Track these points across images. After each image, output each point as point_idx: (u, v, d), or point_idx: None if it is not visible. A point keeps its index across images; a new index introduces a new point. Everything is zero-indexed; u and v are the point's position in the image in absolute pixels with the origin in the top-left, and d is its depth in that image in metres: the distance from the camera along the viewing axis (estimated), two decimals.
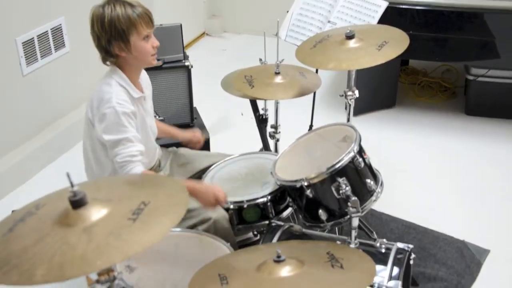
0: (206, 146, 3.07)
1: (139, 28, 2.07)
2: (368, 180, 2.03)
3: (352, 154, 1.98)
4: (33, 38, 3.24)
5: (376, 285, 1.83)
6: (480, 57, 3.60)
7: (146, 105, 2.26)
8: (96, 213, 1.28)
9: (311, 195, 2.00)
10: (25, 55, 3.20)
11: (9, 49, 3.13)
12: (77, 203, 1.27)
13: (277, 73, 2.46)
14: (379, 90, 3.93)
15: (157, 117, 3.14)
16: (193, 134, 2.57)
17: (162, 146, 2.58)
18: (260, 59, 2.72)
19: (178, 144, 2.62)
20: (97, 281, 1.32)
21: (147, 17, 2.10)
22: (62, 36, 3.44)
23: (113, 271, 1.32)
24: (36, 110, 3.37)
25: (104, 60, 2.14)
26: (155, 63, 2.21)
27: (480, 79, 3.73)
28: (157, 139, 2.44)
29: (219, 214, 2.12)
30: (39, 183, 3.30)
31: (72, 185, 1.27)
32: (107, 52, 2.09)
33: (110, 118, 2.04)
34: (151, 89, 2.39)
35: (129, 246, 1.21)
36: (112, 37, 2.05)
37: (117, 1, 2.07)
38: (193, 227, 2.10)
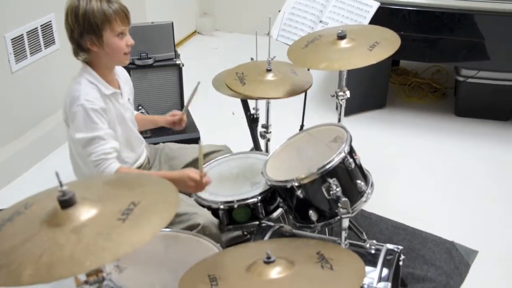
0: (196, 144, 3.06)
1: (113, 24, 2.04)
2: (359, 181, 2.03)
3: (343, 154, 1.98)
4: (22, 34, 3.21)
5: (365, 286, 1.83)
6: (470, 58, 3.61)
7: (123, 100, 2.24)
8: (85, 213, 1.27)
9: (301, 196, 2.00)
10: (14, 52, 3.17)
11: None
12: (66, 202, 1.26)
13: (269, 70, 2.45)
14: (370, 91, 3.94)
15: (142, 110, 3.12)
16: (172, 114, 2.53)
17: (150, 143, 2.57)
18: (252, 58, 2.72)
19: (166, 139, 2.60)
20: (86, 282, 1.31)
21: (123, 13, 2.07)
22: (52, 33, 3.41)
23: (102, 272, 1.31)
24: (25, 107, 3.34)
25: (75, 54, 2.11)
26: (127, 62, 2.19)
27: (470, 80, 3.75)
28: (141, 132, 2.42)
29: (207, 220, 2.11)
30: (27, 181, 3.27)
31: (61, 185, 1.26)
32: (79, 46, 2.07)
33: (80, 116, 2.03)
34: (131, 84, 2.37)
35: (118, 246, 1.20)
36: (85, 31, 2.02)
37: None
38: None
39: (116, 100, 2.18)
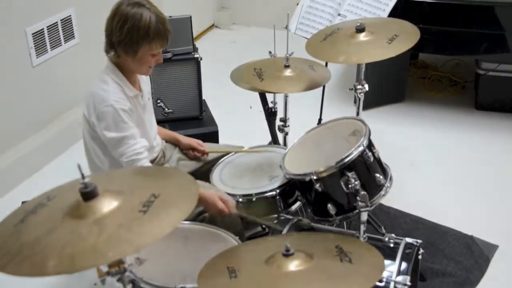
0: (214, 138, 3.07)
1: (153, 46, 2.06)
2: (377, 175, 2.02)
3: (361, 148, 1.97)
4: (43, 29, 3.25)
5: (384, 279, 1.83)
6: (490, 51, 3.57)
7: (144, 102, 2.25)
8: (107, 205, 1.29)
9: (320, 189, 2.00)
10: (35, 46, 3.21)
11: (19, 40, 3.14)
12: (88, 195, 1.28)
13: (287, 66, 2.45)
14: (388, 84, 3.91)
15: (166, 109, 3.14)
16: (198, 142, 2.50)
17: None
18: (270, 52, 2.71)
19: (184, 133, 2.60)
20: (108, 273, 1.33)
21: (165, 37, 2.09)
22: (72, 27, 3.44)
23: (124, 263, 1.33)
24: (45, 101, 3.39)
25: (106, 51, 2.13)
26: (149, 74, 2.22)
27: (490, 73, 3.71)
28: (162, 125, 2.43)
29: None
30: (49, 174, 3.31)
31: (83, 177, 1.28)
32: (112, 47, 2.08)
33: (110, 116, 2.04)
34: (150, 84, 2.37)
35: (139, 238, 1.21)
36: (124, 41, 2.03)
37: (149, 9, 2.05)
38: (201, 213, 2.11)
39: (138, 102, 2.20)
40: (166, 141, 2.52)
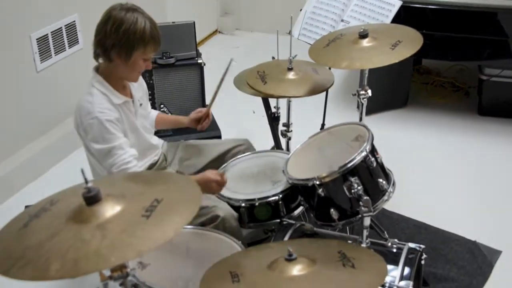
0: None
1: (147, 50, 2.08)
2: (380, 180, 2.02)
3: (364, 153, 1.97)
4: (47, 34, 3.27)
5: (387, 284, 1.83)
6: (493, 57, 3.57)
7: (135, 107, 2.26)
8: (110, 209, 1.29)
9: (322, 194, 2.00)
10: (39, 51, 3.23)
11: (23, 45, 3.15)
12: (91, 199, 1.28)
13: (290, 69, 2.45)
14: (391, 90, 3.91)
15: (164, 109, 3.14)
16: (196, 111, 2.50)
17: (170, 140, 2.59)
18: (273, 57, 2.72)
19: (187, 137, 2.61)
20: (110, 277, 1.33)
21: (159, 42, 2.11)
22: (76, 32, 3.46)
23: (126, 268, 1.33)
24: (49, 106, 3.40)
25: (96, 57, 2.14)
26: (136, 80, 2.23)
27: (493, 79, 3.70)
28: (165, 131, 2.43)
29: (227, 213, 2.13)
30: (51, 179, 3.32)
31: (86, 182, 1.28)
32: (105, 52, 2.08)
33: (96, 128, 2.04)
34: (144, 86, 2.38)
35: (142, 242, 1.22)
36: (119, 45, 2.04)
37: (142, 14, 2.07)
38: (202, 225, 2.11)
39: (128, 108, 2.20)
40: (175, 127, 2.59)
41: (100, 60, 2.14)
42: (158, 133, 2.57)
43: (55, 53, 3.35)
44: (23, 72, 3.18)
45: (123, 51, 2.05)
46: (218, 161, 2.48)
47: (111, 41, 2.05)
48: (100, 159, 2.09)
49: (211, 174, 2.12)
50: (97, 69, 2.17)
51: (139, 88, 2.32)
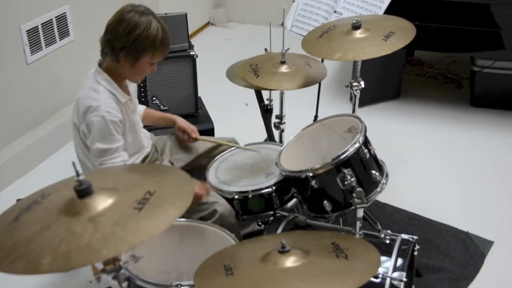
0: (210, 136, 3.07)
1: (155, 56, 2.06)
2: (373, 171, 2.03)
3: (357, 145, 1.97)
4: (37, 26, 3.23)
5: (380, 275, 1.83)
6: (486, 48, 3.58)
7: (134, 104, 2.25)
8: (101, 202, 1.28)
9: (316, 186, 2.00)
10: (29, 43, 3.20)
11: (13, 37, 3.12)
12: (83, 192, 1.27)
13: (283, 62, 2.44)
14: (384, 81, 3.91)
15: (161, 106, 3.13)
16: (192, 129, 2.47)
17: (157, 134, 2.57)
18: (266, 49, 2.71)
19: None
20: (103, 271, 1.32)
21: (167, 48, 2.09)
22: (67, 24, 3.43)
23: (119, 261, 1.32)
24: (40, 98, 3.37)
25: (103, 55, 2.10)
26: (139, 82, 2.23)
27: (485, 70, 3.72)
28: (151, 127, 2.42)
29: (226, 210, 2.13)
30: (43, 172, 3.30)
31: (78, 174, 1.27)
32: (113, 52, 2.05)
33: (98, 127, 2.03)
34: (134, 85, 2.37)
35: (135, 235, 1.21)
36: (128, 48, 2.01)
37: (155, 18, 2.04)
38: (201, 220, 2.11)
39: (128, 106, 2.19)
40: (163, 125, 2.55)
41: (107, 60, 2.10)
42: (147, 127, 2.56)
43: (45, 45, 3.31)
44: (13, 65, 3.15)
45: (132, 54, 2.03)
46: (205, 156, 2.48)
47: (121, 43, 2.01)
48: (93, 154, 2.08)
49: (198, 189, 2.09)
50: (100, 65, 2.13)
51: (130, 83, 2.31)
